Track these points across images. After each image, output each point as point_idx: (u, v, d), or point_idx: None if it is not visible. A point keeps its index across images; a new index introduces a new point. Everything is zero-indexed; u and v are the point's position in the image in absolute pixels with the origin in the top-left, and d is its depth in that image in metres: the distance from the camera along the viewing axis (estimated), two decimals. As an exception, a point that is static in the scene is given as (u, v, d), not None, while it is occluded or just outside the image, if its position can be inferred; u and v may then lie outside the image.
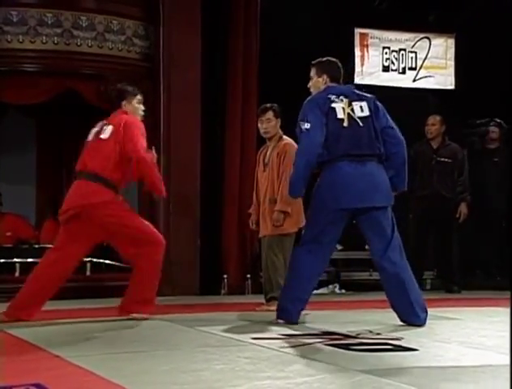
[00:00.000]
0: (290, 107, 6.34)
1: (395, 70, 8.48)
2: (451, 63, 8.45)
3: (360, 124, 4.60)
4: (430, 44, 8.44)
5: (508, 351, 3.60)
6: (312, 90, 4.89)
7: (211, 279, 7.16)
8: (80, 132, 8.23)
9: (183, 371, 3.13)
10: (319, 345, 3.83)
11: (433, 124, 7.37)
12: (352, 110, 4.62)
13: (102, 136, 4.90)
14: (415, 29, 8.35)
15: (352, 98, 4.67)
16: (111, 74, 6.93)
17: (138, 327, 4.65)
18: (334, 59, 5.00)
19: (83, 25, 6.92)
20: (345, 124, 4.60)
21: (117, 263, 7.07)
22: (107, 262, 7.16)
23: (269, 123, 5.63)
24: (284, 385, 2.88)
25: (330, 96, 4.66)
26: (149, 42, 7.24)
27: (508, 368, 3.19)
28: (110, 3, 7.07)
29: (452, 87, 8.44)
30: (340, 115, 4.60)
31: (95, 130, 5.03)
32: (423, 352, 3.64)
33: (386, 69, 8.44)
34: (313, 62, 4.94)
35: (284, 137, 5.70)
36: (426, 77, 8.51)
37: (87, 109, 7.36)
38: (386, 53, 8.41)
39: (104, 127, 4.95)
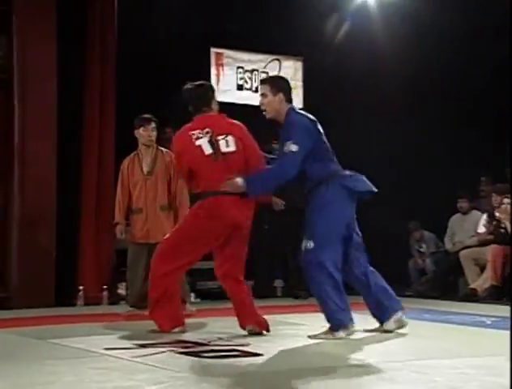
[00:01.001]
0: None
1: (249, 89, 8.64)
2: (300, 84, 8.72)
3: None
4: (280, 65, 8.68)
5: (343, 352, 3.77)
6: (268, 110, 4.60)
7: (67, 291, 6.94)
8: None
9: (29, 385, 3.00)
10: (171, 353, 3.80)
11: None
12: None
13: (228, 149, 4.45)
14: (266, 51, 8.56)
15: None
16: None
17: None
18: (284, 76, 4.92)
19: None
20: (328, 146, 4.57)
21: None
22: None
23: (153, 132, 5.84)
24: (132, 394, 2.84)
25: (311, 118, 4.52)
26: (2, 53, 6.91)
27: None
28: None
29: (301, 105, 8.69)
30: (324, 138, 4.55)
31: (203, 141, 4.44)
32: (267, 357, 3.69)
33: (240, 87, 8.58)
34: (264, 79, 4.77)
35: (159, 147, 5.94)
36: (277, 96, 8.71)
37: None
38: (240, 73, 8.55)
39: (221, 138, 4.46)
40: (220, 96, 8.43)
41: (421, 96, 8.34)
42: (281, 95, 4.55)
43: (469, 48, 8.52)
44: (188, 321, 5.51)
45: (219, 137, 4.44)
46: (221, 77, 8.46)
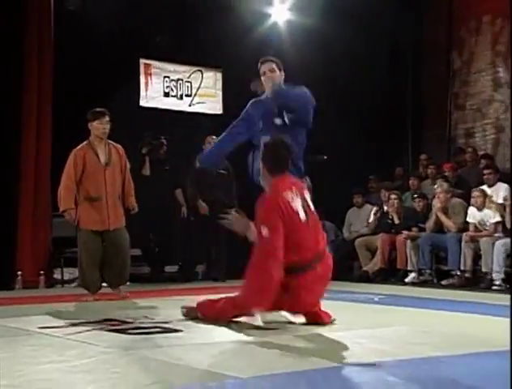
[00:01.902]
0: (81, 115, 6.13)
1: (175, 96, 8.56)
2: (219, 92, 8.71)
3: None
4: (202, 76, 8.65)
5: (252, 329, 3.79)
6: (275, 81, 4.44)
7: (6, 275, 6.69)
8: None
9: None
10: (99, 331, 3.74)
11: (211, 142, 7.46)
12: None
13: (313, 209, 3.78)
14: (190, 63, 8.52)
15: None
16: None
17: None
18: None
19: None
20: None
21: None
22: None
23: (107, 125, 5.51)
24: (63, 367, 2.78)
25: None
26: None
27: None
28: None
29: (220, 112, 8.70)
30: None
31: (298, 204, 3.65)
32: (186, 332, 3.68)
33: (166, 95, 8.49)
34: (271, 58, 4.60)
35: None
36: (200, 103, 8.69)
37: None
38: (166, 82, 8.46)
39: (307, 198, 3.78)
40: (149, 102, 8.38)
41: (323, 102, 8.45)
42: (282, 72, 4.56)
43: (363, 59, 8.74)
44: (117, 302, 5.45)
45: (305, 196, 3.76)
46: (149, 85, 8.36)
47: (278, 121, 4.39)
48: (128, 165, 5.74)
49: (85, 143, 5.55)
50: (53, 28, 7.04)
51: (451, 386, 2.53)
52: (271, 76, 4.51)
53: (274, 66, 4.57)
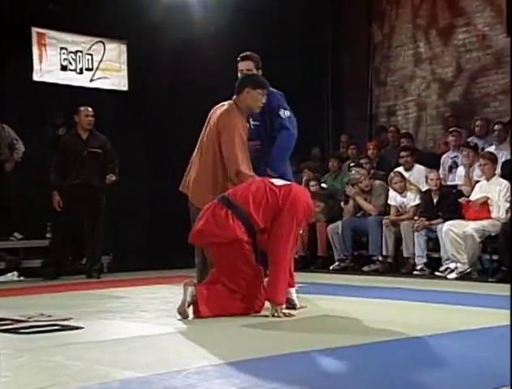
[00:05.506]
0: None
1: (73, 70, 8.31)
2: (124, 67, 8.52)
3: None
4: (105, 48, 8.44)
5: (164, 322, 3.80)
6: None
7: None
8: None
9: None
10: (-12, 332, 3.63)
11: (89, 115, 7.19)
12: None
13: None
14: (90, 33, 8.28)
15: None
16: None
17: None
18: None
19: None
20: None
21: None
22: None
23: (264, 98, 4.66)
24: None
25: None
26: None
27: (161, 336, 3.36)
28: None
29: (125, 88, 8.53)
30: None
31: None
32: (87, 329, 3.64)
33: (64, 68, 8.24)
34: (250, 55, 4.77)
35: None
36: (102, 78, 8.49)
37: None
38: (63, 54, 8.20)
39: None
40: (44, 77, 8.09)
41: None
42: (260, 71, 4.79)
43: (276, 28, 8.74)
44: (9, 299, 5.30)
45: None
46: (44, 57, 8.08)
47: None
48: None
49: (231, 103, 4.51)
50: None
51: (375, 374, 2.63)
52: None
53: (252, 65, 4.75)
